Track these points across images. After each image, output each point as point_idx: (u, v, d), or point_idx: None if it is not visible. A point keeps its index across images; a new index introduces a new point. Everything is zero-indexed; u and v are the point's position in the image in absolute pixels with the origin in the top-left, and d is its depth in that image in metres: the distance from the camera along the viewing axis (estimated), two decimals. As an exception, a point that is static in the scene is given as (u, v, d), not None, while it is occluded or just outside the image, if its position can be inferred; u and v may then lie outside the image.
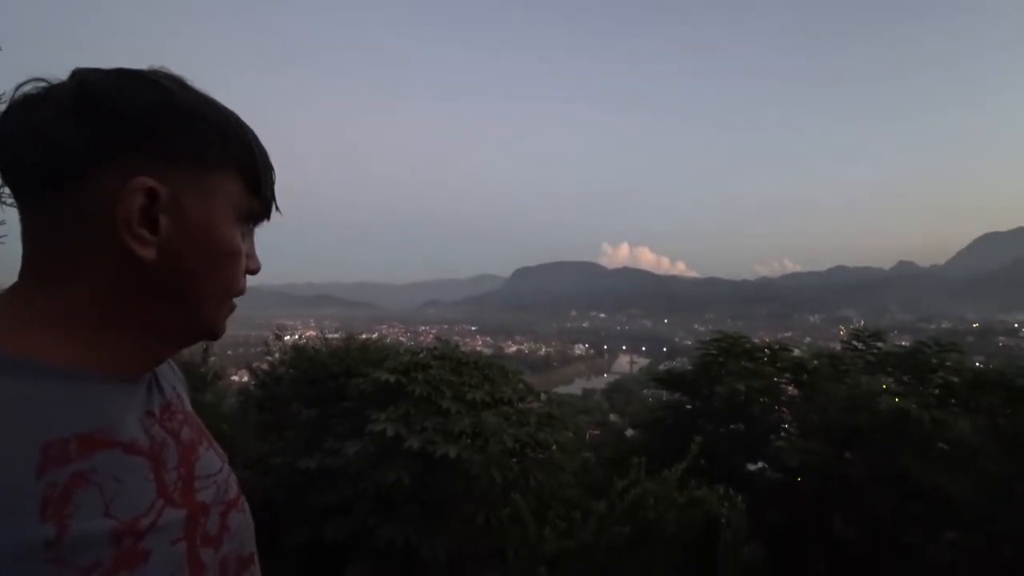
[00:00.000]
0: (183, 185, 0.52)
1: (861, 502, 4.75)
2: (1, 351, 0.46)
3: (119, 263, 0.50)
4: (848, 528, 4.93)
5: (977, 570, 4.10)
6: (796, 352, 6.39)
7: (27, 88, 0.50)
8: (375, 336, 8.90)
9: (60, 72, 0.52)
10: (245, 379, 7.19)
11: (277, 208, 0.63)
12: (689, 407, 6.23)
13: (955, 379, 5.12)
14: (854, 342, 6.23)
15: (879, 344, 6.06)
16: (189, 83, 0.55)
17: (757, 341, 6.61)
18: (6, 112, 0.50)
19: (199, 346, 5.57)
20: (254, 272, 0.62)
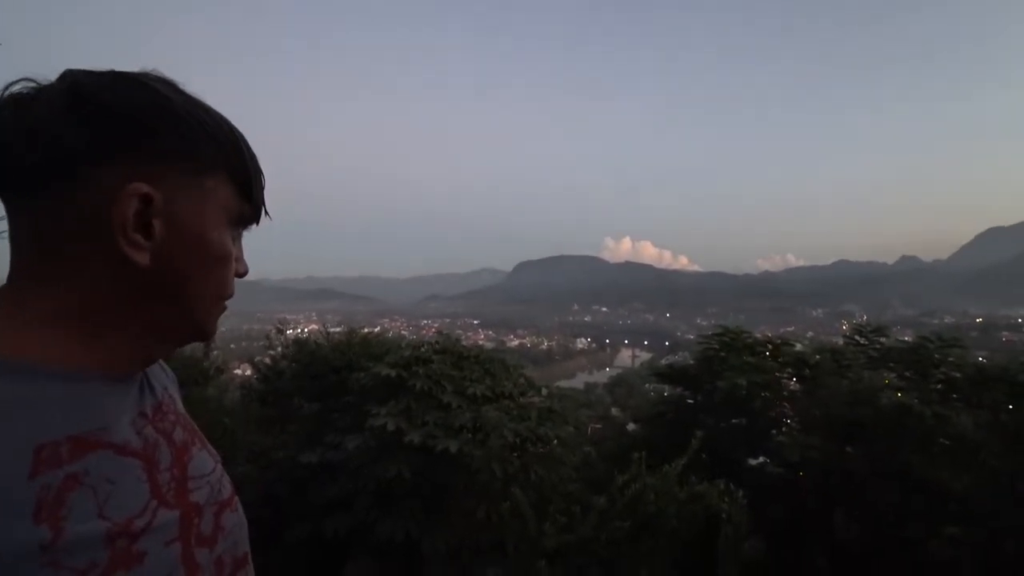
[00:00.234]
0: (176, 189, 0.52)
1: (862, 497, 4.75)
2: None
3: (112, 265, 0.50)
4: (849, 523, 4.93)
5: (979, 566, 4.10)
6: (798, 347, 6.40)
7: (16, 88, 0.50)
8: (377, 330, 8.91)
9: (47, 73, 0.51)
10: (247, 373, 7.22)
11: (267, 212, 0.63)
12: (690, 401, 6.24)
13: (958, 374, 5.11)
14: (856, 337, 6.23)
15: (882, 339, 6.06)
16: (182, 87, 0.55)
17: (759, 336, 6.61)
18: None
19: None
20: (242, 275, 0.62)
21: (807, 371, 5.70)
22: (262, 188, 0.61)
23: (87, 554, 0.44)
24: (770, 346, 6.18)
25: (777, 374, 5.77)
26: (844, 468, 4.87)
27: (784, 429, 5.51)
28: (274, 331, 6.96)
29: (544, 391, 5.40)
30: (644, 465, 3.60)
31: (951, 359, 5.31)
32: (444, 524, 4.12)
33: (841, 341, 6.63)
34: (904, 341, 6.14)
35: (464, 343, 5.83)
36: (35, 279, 0.50)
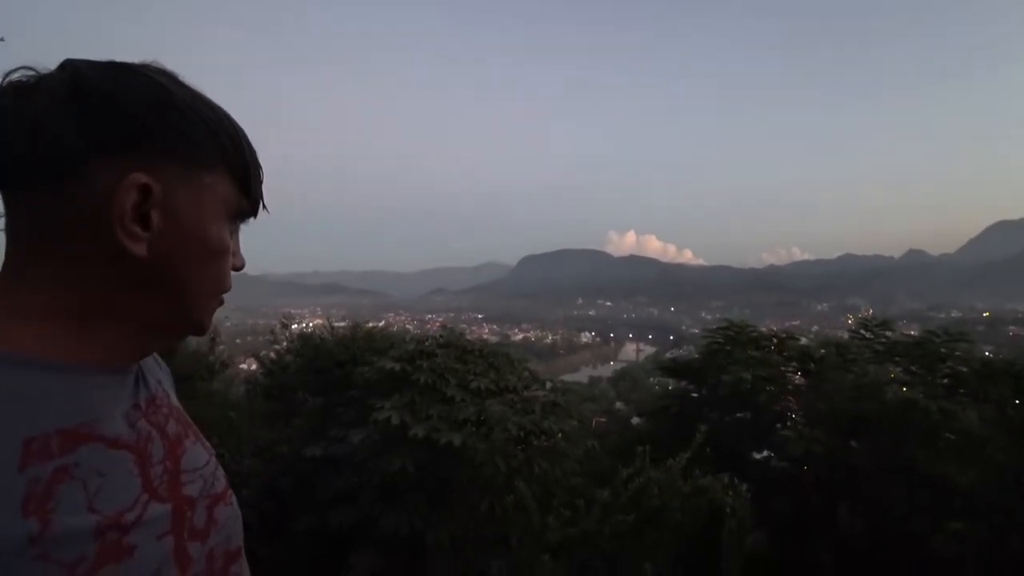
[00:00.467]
0: (175, 182, 0.52)
1: (867, 492, 4.74)
2: None
3: (109, 257, 0.50)
4: (854, 518, 4.92)
5: (983, 561, 4.09)
6: (803, 341, 6.37)
7: (16, 76, 0.49)
8: (381, 324, 8.93)
9: (47, 63, 0.50)
10: (252, 368, 7.25)
11: (265, 207, 0.63)
12: (695, 395, 6.23)
13: (964, 369, 5.09)
14: (862, 331, 6.19)
15: (887, 333, 6.02)
16: (182, 79, 0.54)
17: (764, 330, 6.59)
18: None
19: (207, 335, 5.64)
20: (238, 269, 0.62)
21: (812, 365, 5.67)
22: (261, 183, 0.61)
23: (76, 547, 0.44)
24: (775, 340, 6.15)
25: (782, 368, 5.75)
26: (849, 462, 4.86)
27: (789, 423, 5.49)
28: (279, 326, 6.99)
29: (548, 385, 5.41)
30: (648, 459, 3.60)
31: (957, 353, 5.27)
32: (448, 517, 4.14)
33: (846, 335, 6.59)
34: (910, 335, 6.11)
35: (468, 337, 5.84)
36: (31, 271, 0.50)
